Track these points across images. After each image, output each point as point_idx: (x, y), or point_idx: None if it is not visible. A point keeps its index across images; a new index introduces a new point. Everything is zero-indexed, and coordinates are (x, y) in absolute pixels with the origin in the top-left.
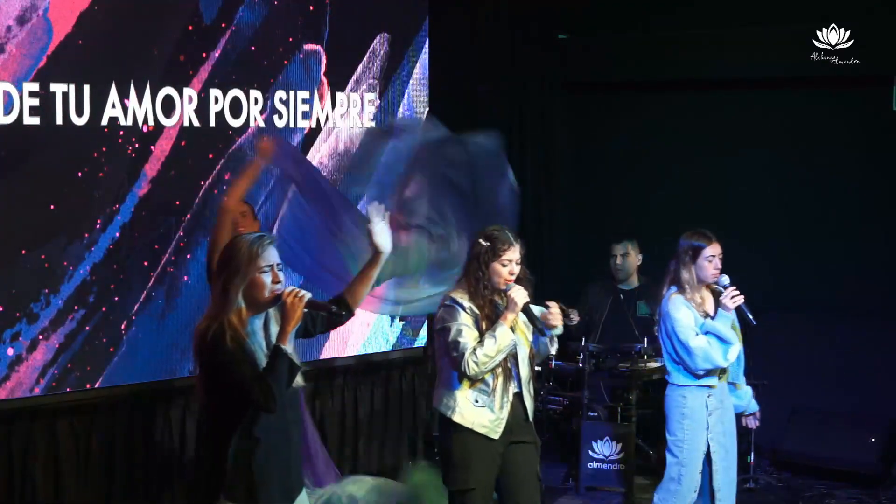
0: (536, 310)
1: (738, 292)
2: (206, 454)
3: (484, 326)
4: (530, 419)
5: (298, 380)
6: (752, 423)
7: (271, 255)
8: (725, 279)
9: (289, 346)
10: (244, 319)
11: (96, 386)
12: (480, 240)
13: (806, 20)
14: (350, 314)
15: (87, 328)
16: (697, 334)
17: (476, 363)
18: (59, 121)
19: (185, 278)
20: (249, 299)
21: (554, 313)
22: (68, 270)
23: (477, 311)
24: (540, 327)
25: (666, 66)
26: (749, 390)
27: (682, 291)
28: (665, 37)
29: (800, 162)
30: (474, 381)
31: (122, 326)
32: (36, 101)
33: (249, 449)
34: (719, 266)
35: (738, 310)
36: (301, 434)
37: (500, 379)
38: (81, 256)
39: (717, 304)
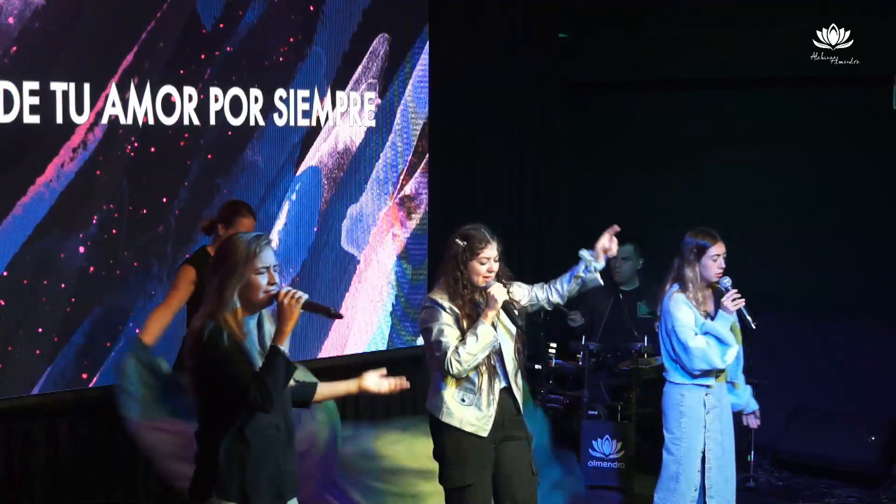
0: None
1: (739, 295)
2: (199, 453)
3: (465, 325)
4: (521, 412)
5: (292, 380)
6: (753, 422)
7: (268, 257)
8: (728, 281)
9: (285, 347)
10: (240, 319)
11: (96, 385)
12: (457, 239)
13: (806, 20)
14: (307, 405)
15: (86, 326)
16: (697, 334)
17: (459, 361)
18: (59, 119)
19: None
20: (245, 299)
21: (604, 245)
22: (67, 267)
23: (457, 310)
24: (519, 325)
25: (666, 66)
26: (748, 389)
27: (684, 290)
28: (665, 37)
29: (800, 162)
30: (459, 380)
31: (120, 325)
32: (36, 100)
33: (243, 448)
34: (723, 266)
35: (739, 313)
36: (293, 435)
37: (485, 376)
38: (78, 253)
39: (718, 304)
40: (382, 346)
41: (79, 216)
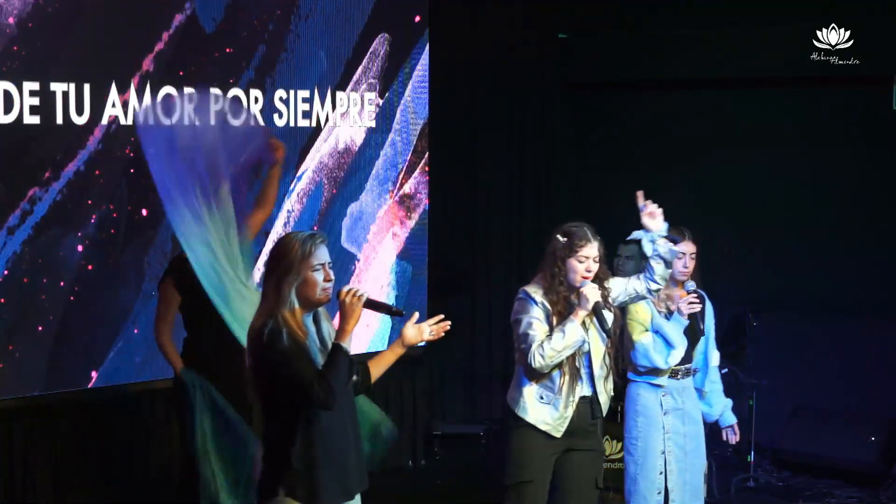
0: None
1: (697, 300)
2: (266, 452)
3: (555, 322)
4: (600, 417)
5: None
6: (732, 437)
7: (323, 254)
8: (691, 285)
9: (348, 344)
10: (299, 317)
11: (95, 385)
12: (558, 235)
13: (806, 20)
14: (368, 387)
15: (85, 325)
16: (646, 330)
17: (542, 356)
18: (59, 120)
19: None
20: (302, 297)
21: (646, 211)
22: (66, 266)
23: (549, 306)
24: (606, 329)
25: (666, 66)
26: (727, 402)
27: None
28: (665, 36)
29: (800, 162)
30: (541, 377)
31: (121, 324)
32: (36, 100)
33: (310, 447)
34: (689, 265)
35: (693, 317)
36: (358, 430)
37: (567, 378)
38: (77, 252)
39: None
40: (382, 347)
41: (78, 216)
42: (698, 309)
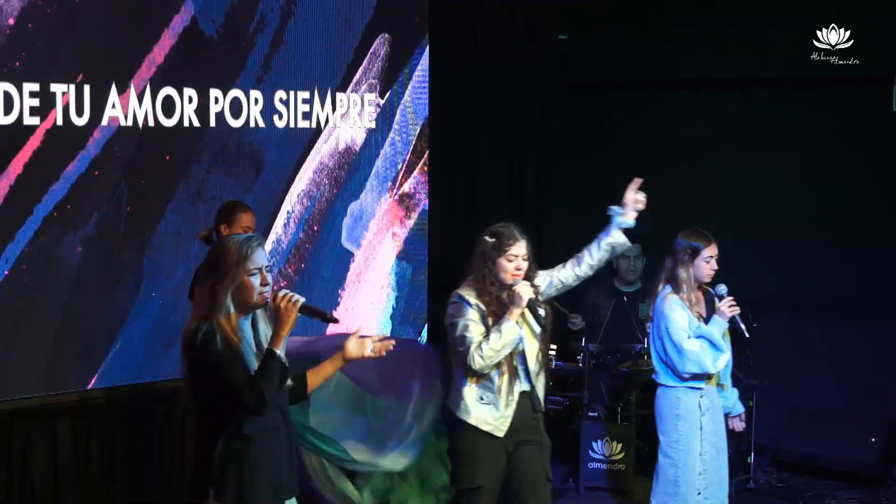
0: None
1: (735, 303)
2: (197, 454)
3: (490, 322)
4: (541, 411)
5: (288, 381)
6: (739, 426)
7: (260, 258)
8: (723, 288)
9: (281, 350)
10: (234, 322)
11: (95, 386)
12: (486, 237)
13: (806, 20)
14: (304, 395)
15: (84, 325)
16: (690, 337)
17: (482, 357)
18: (60, 121)
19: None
20: (238, 301)
21: (633, 197)
22: (65, 267)
23: (483, 307)
24: (542, 324)
25: (666, 66)
26: (735, 391)
27: (677, 291)
28: (665, 36)
29: (800, 162)
30: (479, 378)
31: (119, 325)
32: (36, 101)
33: (239, 450)
34: (716, 267)
35: (732, 320)
36: (291, 435)
37: (506, 376)
38: (77, 252)
39: (711, 308)
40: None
41: (78, 216)
42: (738, 311)
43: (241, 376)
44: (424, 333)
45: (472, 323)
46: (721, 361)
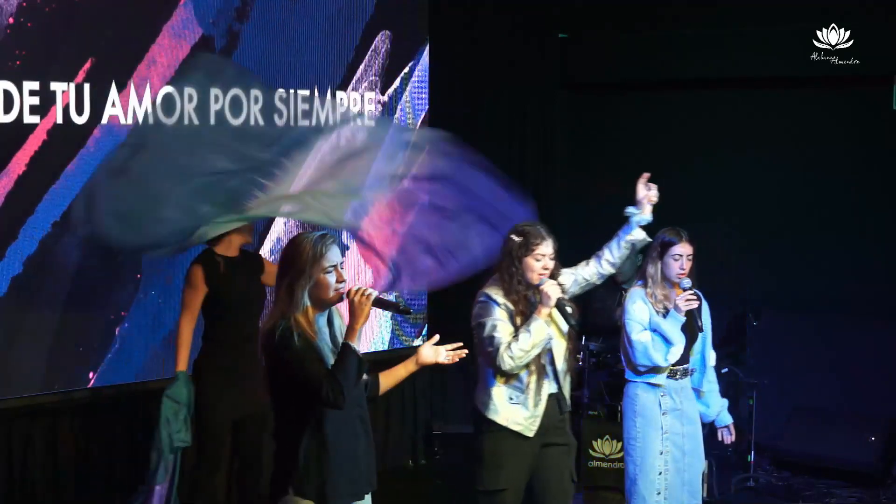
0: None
1: (694, 297)
2: (278, 450)
3: (518, 322)
4: (567, 412)
5: (364, 376)
6: (727, 437)
7: (334, 255)
8: (687, 282)
9: (357, 344)
10: (311, 318)
11: (95, 385)
12: (513, 235)
13: (806, 20)
14: (375, 396)
15: (84, 325)
16: (644, 329)
17: (511, 357)
18: (60, 119)
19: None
20: (314, 298)
21: (644, 194)
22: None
23: (511, 306)
24: (572, 323)
25: (666, 66)
26: (724, 402)
27: (644, 285)
28: (665, 36)
29: (800, 162)
30: (509, 378)
31: (117, 325)
32: (36, 100)
33: (320, 446)
34: (685, 267)
35: (690, 314)
36: (368, 430)
37: (535, 376)
38: (76, 252)
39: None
40: (382, 349)
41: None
42: (695, 305)
43: (319, 371)
44: (425, 330)
45: (500, 323)
46: (672, 355)
